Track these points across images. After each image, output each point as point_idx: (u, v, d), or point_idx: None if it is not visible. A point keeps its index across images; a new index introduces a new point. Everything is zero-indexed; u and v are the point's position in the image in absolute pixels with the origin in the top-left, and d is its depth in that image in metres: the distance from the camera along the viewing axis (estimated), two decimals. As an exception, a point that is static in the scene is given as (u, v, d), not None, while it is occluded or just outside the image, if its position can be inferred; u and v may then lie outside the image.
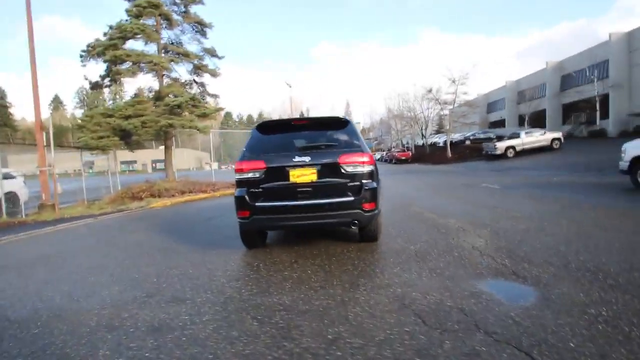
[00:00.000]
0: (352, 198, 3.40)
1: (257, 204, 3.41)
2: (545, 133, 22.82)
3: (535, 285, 2.56)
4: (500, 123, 40.10)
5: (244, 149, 3.67)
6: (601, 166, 12.91)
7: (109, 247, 4.90)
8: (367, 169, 3.48)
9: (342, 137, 3.69)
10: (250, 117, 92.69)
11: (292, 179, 3.40)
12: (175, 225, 6.38)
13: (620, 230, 4.14)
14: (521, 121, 37.23)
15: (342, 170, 3.43)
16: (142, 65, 12.93)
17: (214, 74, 14.58)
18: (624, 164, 7.96)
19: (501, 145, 22.34)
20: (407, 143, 42.38)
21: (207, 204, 9.42)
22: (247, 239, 3.97)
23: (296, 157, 3.41)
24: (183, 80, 14.99)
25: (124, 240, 5.37)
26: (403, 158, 31.30)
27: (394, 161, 32.22)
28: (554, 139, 22.04)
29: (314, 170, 3.41)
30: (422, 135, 34.33)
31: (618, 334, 1.78)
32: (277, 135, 3.78)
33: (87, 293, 2.98)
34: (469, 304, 2.27)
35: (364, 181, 3.46)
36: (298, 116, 4.46)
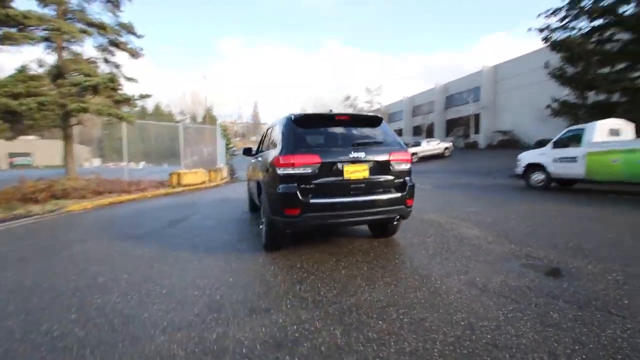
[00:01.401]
0: (398, 194, 3.54)
1: (311, 200, 3.22)
2: (440, 142, 27.03)
3: (548, 261, 3.19)
4: (398, 132, 45.62)
5: (284, 142, 3.41)
6: (489, 171, 16.09)
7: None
8: (408, 166, 3.67)
9: (383, 134, 3.79)
10: (144, 108, 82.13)
11: (346, 175, 3.35)
12: (141, 231, 5.34)
13: (567, 217, 5.36)
14: (415, 131, 43.32)
15: (391, 168, 3.54)
16: (38, 31, 10.21)
17: (134, 54, 12.50)
18: (519, 170, 10.23)
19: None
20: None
21: (146, 206, 8.11)
22: (275, 240, 3.72)
23: (352, 152, 3.37)
24: (87, 57, 12.45)
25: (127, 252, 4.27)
26: (321, 160, 32.58)
27: (311, 162, 33.17)
28: (446, 148, 26.32)
29: (366, 166, 3.43)
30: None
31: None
32: (320, 129, 3.64)
33: None
34: (524, 281, 2.72)
35: (406, 178, 3.65)
36: (335, 111, 4.13)
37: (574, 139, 9.22)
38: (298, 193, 3.21)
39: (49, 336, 2.14)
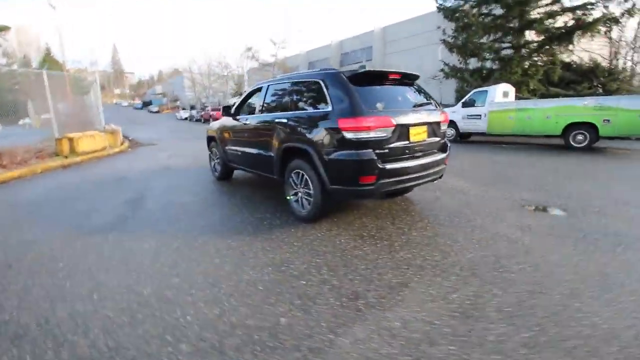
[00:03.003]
0: (443, 155, 3.64)
1: (386, 166, 3.01)
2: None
3: (542, 203, 3.98)
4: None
5: (350, 103, 2.98)
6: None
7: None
8: (446, 127, 3.77)
9: (424, 94, 3.71)
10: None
11: (412, 138, 3.22)
12: (98, 220, 3.99)
13: (499, 165, 6.52)
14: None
15: (440, 129, 3.57)
16: None
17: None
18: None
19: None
20: (216, 102, 40.43)
21: (56, 185, 6.05)
22: (324, 210, 3.40)
23: (414, 114, 3.22)
24: None
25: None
26: (222, 118, 29.97)
27: (211, 120, 30.23)
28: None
29: (425, 129, 3.36)
30: (241, 95, 33.82)
31: None
32: (376, 88, 3.28)
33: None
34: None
35: (446, 139, 3.76)
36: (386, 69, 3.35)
37: (479, 99, 11.05)
38: (376, 159, 2.95)
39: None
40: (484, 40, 16.45)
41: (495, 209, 3.90)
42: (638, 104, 7.99)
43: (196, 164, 7.56)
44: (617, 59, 17.36)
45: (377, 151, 2.97)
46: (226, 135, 5.17)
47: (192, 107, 43.91)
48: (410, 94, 3.52)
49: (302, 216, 3.57)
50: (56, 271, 2.63)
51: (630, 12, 13.40)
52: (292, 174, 3.61)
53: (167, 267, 2.64)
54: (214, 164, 5.85)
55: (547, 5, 14.97)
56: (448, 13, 17.28)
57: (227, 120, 5.11)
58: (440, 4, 17.69)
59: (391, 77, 3.38)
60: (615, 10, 13.47)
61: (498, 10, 16.20)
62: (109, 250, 3.01)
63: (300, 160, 3.47)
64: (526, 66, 15.12)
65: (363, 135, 2.90)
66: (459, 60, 17.49)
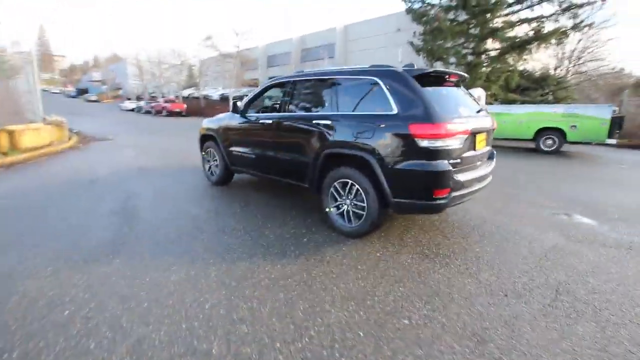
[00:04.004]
0: (493, 164, 3.45)
1: (458, 178, 2.71)
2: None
3: (566, 209, 4.05)
4: (255, 84, 43.70)
5: (424, 105, 2.63)
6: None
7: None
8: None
9: (473, 98, 3.47)
10: None
11: (477, 147, 2.97)
12: (87, 242, 3.14)
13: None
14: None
15: (491, 136, 3.37)
16: None
17: None
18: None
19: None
20: (168, 93, 37.44)
21: (11, 191, 4.84)
22: (375, 225, 3.04)
23: (479, 120, 2.97)
24: None
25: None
26: (177, 110, 27.63)
27: (164, 113, 27.81)
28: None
29: (485, 136, 3.13)
30: (198, 87, 31.53)
31: None
32: (439, 90, 2.95)
33: None
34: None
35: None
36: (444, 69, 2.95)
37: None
38: (452, 170, 2.64)
39: None
40: (449, 45, 17.13)
41: (529, 216, 3.85)
42: (601, 113, 8.77)
43: (175, 165, 6.66)
44: (561, 70, 19.31)
45: (451, 161, 2.67)
46: (232, 135, 4.51)
47: (139, 98, 40.23)
48: (467, 98, 3.27)
49: (347, 231, 3.15)
50: (65, 330, 1.92)
51: (576, 27, 14.84)
52: (336, 184, 3.17)
53: (223, 310, 2.07)
54: (210, 167, 5.13)
55: (507, 15, 16.02)
56: (417, 16, 17.70)
57: (234, 118, 4.46)
58: (409, 7, 18.07)
59: (452, 78, 3.10)
60: (567, 23, 14.78)
61: (462, 17, 16.99)
62: (126, 286, 2.32)
63: (349, 168, 3.04)
64: (488, 71, 16.04)
65: (439, 143, 2.57)
66: (425, 63, 18.02)
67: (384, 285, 2.35)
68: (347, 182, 3.08)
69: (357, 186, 3.00)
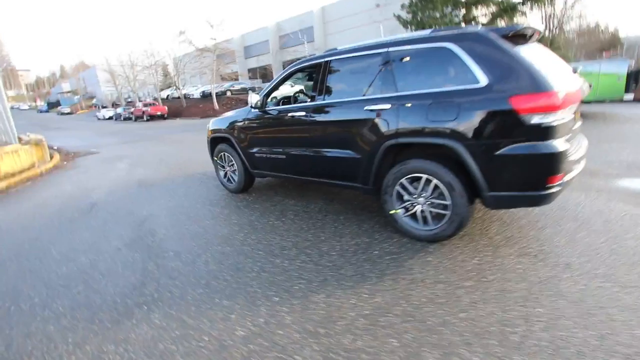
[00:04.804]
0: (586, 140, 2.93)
1: (570, 157, 2.18)
2: (294, 85, 26.89)
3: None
4: (235, 77, 42.18)
5: (531, 71, 2.05)
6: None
7: None
8: None
9: None
10: None
11: (576, 117, 2.43)
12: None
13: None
14: (251, 75, 41.54)
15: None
16: None
17: None
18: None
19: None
20: (145, 97, 35.74)
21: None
22: (463, 225, 2.49)
23: (579, 84, 2.43)
24: None
25: None
26: (159, 114, 26.27)
27: (145, 118, 26.45)
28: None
29: (577, 105, 2.58)
30: (176, 87, 30.01)
31: None
32: (531, 50, 2.36)
33: None
34: None
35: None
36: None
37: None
38: (568, 149, 2.10)
39: None
40: (438, 15, 16.47)
41: (607, 189, 3.38)
42: (616, 68, 8.36)
43: (178, 174, 5.96)
44: (549, 31, 18.92)
45: (566, 138, 2.13)
46: (252, 134, 3.86)
47: (115, 104, 38.42)
48: (556, 58, 2.69)
49: (423, 236, 2.62)
50: None
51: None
52: (403, 181, 2.61)
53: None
54: (226, 173, 4.48)
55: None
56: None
57: (251, 114, 3.81)
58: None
59: (537, 35, 2.52)
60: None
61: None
62: (184, 355, 1.73)
63: (422, 160, 2.48)
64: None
65: (552, 117, 2.02)
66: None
67: (512, 306, 1.83)
68: (421, 178, 2.51)
69: (435, 181, 2.44)
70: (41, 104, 61.25)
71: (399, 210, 2.72)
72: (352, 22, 31.63)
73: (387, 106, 2.57)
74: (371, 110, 2.66)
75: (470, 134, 2.20)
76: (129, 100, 37.07)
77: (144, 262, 2.80)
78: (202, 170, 5.92)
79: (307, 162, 3.32)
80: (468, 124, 2.20)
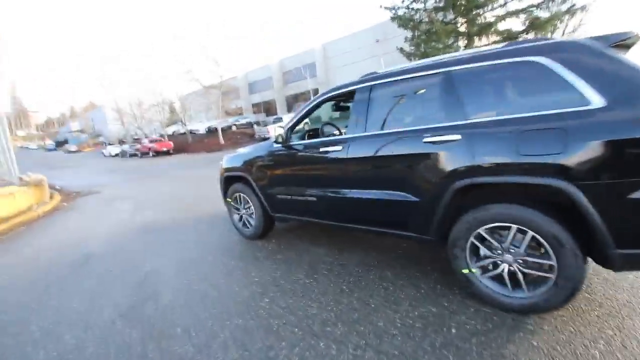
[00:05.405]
0: None
1: None
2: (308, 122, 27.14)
3: None
4: (239, 111, 42.88)
5: None
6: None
7: None
8: None
9: None
10: None
11: None
12: None
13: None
14: (255, 109, 42.33)
15: None
16: None
17: None
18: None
19: (272, 129, 24.17)
20: (151, 133, 36.12)
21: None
22: (575, 293, 1.85)
23: None
24: None
25: None
26: (165, 149, 26.29)
27: (151, 154, 26.43)
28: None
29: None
30: (183, 123, 30.33)
31: None
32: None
33: None
34: None
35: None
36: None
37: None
38: None
39: None
40: (441, 46, 16.64)
41: None
42: None
43: (186, 217, 5.38)
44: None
45: None
46: (273, 172, 3.33)
47: (122, 141, 38.82)
48: None
49: (514, 306, 1.97)
50: None
51: (569, 12, 14.52)
52: (481, 231, 2.01)
53: None
54: (242, 217, 3.91)
55: (496, 9, 15.66)
56: (403, 22, 17.27)
57: (272, 149, 3.30)
58: (394, 14, 17.64)
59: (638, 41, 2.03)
60: (561, 8, 14.42)
61: (449, 16, 16.62)
62: None
63: (513, 205, 1.89)
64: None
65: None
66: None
67: None
68: (509, 228, 1.92)
69: (531, 233, 1.84)
70: (50, 143, 62.40)
71: (475, 270, 2.09)
72: (353, 57, 32.53)
73: (456, 137, 2.03)
74: (433, 143, 2.13)
75: (586, 172, 1.64)
76: (136, 137, 37.47)
77: (143, 344, 2.15)
78: (213, 210, 5.35)
79: (345, 206, 2.74)
80: (582, 157, 1.64)
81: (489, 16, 15.93)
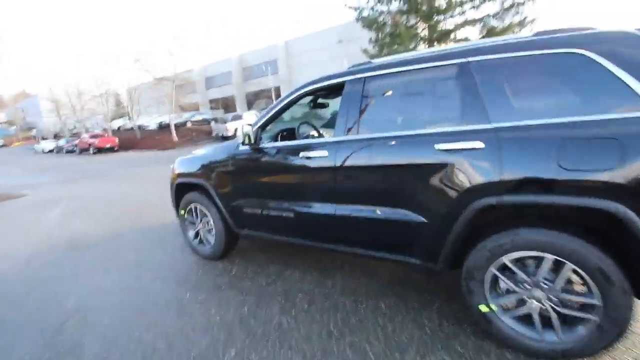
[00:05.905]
0: None
1: None
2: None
3: None
4: (196, 107, 40.41)
5: None
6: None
7: None
8: None
9: None
10: None
11: None
12: None
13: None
14: (213, 105, 40.34)
15: None
16: None
17: None
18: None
19: (231, 127, 23.01)
20: (93, 127, 32.71)
21: None
22: (605, 345, 1.54)
23: None
24: None
25: None
26: (108, 146, 23.79)
27: (92, 151, 23.81)
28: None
29: None
30: (129, 116, 27.71)
31: None
32: None
33: None
34: None
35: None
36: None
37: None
38: None
39: None
40: (402, 49, 16.85)
41: None
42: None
43: (128, 225, 4.54)
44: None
45: None
46: (239, 180, 2.74)
47: (57, 136, 34.80)
48: None
49: (543, 351, 1.62)
50: None
51: (522, 24, 15.41)
52: (505, 259, 1.63)
53: None
54: (198, 233, 3.25)
55: (458, 15, 16.18)
56: (368, 23, 17.22)
57: (237, 153, 2.71)
58: (359, 15, 17.55)
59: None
60: (514, 20, 15.24)
61: (412, 20, 16.87)
62: None
63: (546, 231, 1.53)
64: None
65: None
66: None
67: None
68: (541, 258, 1.56)
69: (569, 264, 1.49)
70: (-33, 135, 54.25)
71: (495, 307, 1.72)
72: (315, 56, 32.24)
73: (479, 144, 1.63)
74: (447, 151, 1.71)
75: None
76: (74, 131, 33.71)
77: None
78: (161, 219, 4.56)
79: (331, 224, 2.24)
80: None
81: (449, 23, 16.43)
